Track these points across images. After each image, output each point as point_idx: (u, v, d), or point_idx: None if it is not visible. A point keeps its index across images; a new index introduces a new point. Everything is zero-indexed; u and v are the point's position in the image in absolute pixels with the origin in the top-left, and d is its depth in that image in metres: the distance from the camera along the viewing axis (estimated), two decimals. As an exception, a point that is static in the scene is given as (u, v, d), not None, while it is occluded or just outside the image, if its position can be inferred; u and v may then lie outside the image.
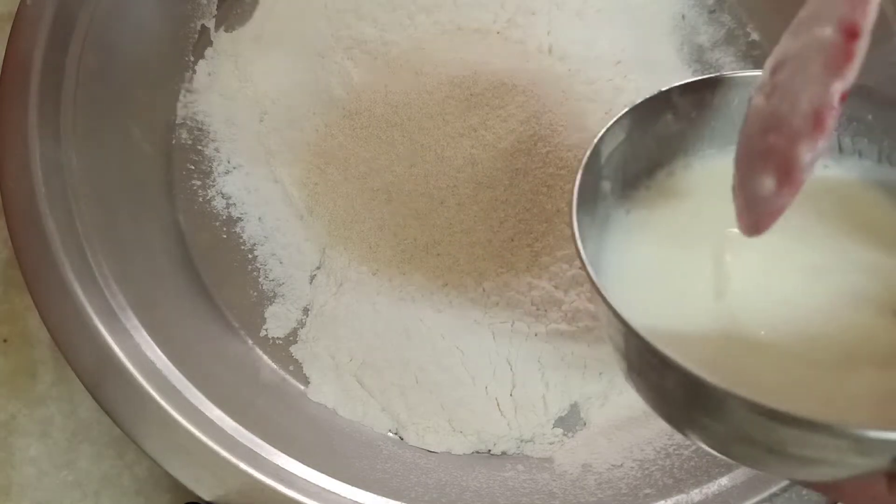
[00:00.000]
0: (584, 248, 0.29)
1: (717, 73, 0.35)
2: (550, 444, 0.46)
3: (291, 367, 0.48)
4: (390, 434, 0.47)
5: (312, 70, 0.51)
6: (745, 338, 0.30)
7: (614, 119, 0.33)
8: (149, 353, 0.39)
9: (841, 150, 0.35)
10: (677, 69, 0.54)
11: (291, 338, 0.49)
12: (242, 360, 0.48)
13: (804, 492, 0.39)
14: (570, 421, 0.47)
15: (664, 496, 0.40)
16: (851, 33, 0.26)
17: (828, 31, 0.26)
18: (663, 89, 0.34)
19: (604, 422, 0.46)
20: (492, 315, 0.47)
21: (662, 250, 0.33)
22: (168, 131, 0.51)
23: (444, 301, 0.47)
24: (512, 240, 0.48)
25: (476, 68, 0.50)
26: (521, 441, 0.46)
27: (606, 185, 0.34)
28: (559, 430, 0.46)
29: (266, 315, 0.49)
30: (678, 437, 0.45)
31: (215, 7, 0.53)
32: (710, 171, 0.35)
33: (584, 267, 0.29)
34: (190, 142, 0.51)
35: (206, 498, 0.38)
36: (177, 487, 0.47)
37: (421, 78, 0.49)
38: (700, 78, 0.34)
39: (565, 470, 0.44)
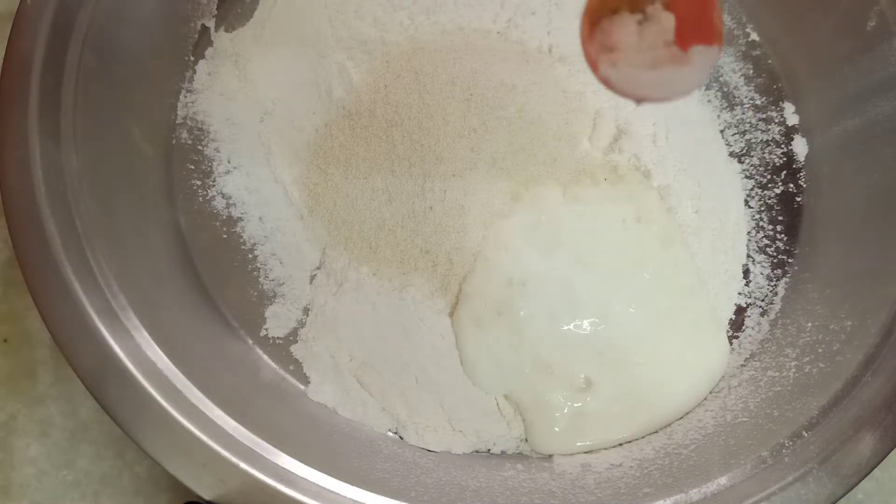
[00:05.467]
0: None
1: None
2: (550, 443, 0.46)
3: (291, 367, 0.48)
4: (390, 433, 0.47)
5: (312, 70, 0.51)
6: None
7: None
8: (149, 353, 0.39)
9: None
10: (677, 69, 0.54)
11: (291, 337, 0.49)
12: (242, 359, 0.48)
13: (802, 491, 0.39)
14: (569, 420, 0.47)
15: (663, 495, 0.40)
16: None
17: None
18: None
19: (603, 421, 0.46)
20: (491, 315, 0.47)
21: None
22: (168, 131, 0.51)
23: (443, 301, 0.47)
24: (512, 240, 0.48)
25: (476, 68, 0.50)
26: (521, 440, 0.47)
27: None
28: (559, 430, 0.46)
29: (266, 315, 0.49)
30: (677, 436, 0.45)
31: (215, 7, 0.53)
32: None
33: None
34: (190, 142, 0.51)
35: (206, 497, 0.38)
36: (177, 487, 0.47)
37: (421, 78, 0.49)
38: None
39: (564, 469, 0.44)
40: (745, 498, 0.39)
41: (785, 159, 0.53)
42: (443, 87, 0.49)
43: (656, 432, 0.46)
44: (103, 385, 0.38)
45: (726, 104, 0.54)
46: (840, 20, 0.51)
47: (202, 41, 0.53)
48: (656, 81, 0.30)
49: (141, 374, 0.39)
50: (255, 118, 0.51)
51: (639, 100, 0.30)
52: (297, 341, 0.48)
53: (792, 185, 0.53)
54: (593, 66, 0.30)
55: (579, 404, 0.46)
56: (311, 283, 0.49)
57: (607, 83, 0.30)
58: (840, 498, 0.39)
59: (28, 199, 0.39)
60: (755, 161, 0.53)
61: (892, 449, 0.40)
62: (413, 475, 0.43)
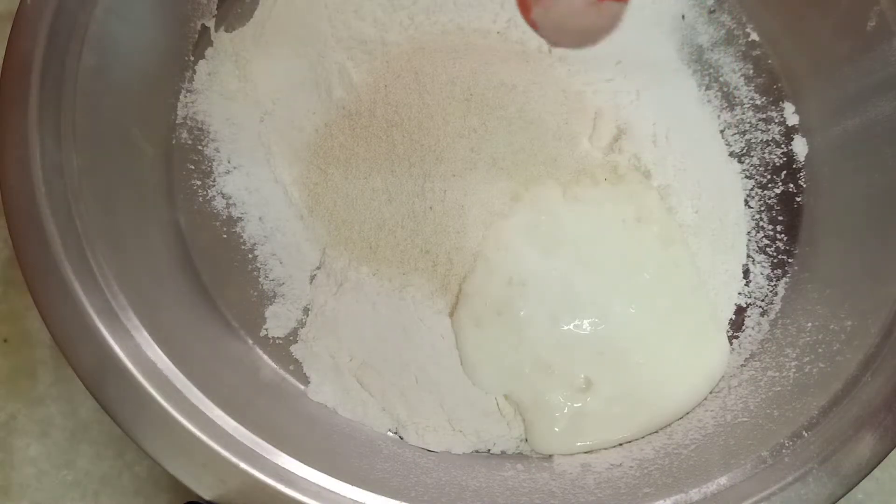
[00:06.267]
0: None
1: None
2: (550, 443, 0.46)
3: (291, 367, 0.48)
4: (390, 433, 0.47)
5: (312, 70, 0.52)
6: None
7: None
8: (149, 353, 0.40)
9: None
10: (677, 69, 0.54)
11: (291, 337, 0.49)
12: (242, 359, 0.48)
13: (802, 491, 0.39)
14: (569, 420, 0.47)
15: (663, 495, 0.40)
16: None
17: None
18: None
19: (603, 421, 0.46)
20: (491, 315, 0.47)
21: None
22: (168, 131, 0.51)
23: (443, 301, 0.47)
24: (512, 240, 0.48)
25: (476, 68, 0.50)
26: (521, 440, 0.47)
27: None
28: (559, 430, 0.46)
29: (266, 315, 0.49)
30: (677, 436, 0.45)
31: (215, 7, 0.53)
32: None
33: None
34: (190, 142, 0.51)
35: (206, 497, 0.38)
36: (176, 487, 0.47)
37: (421, 78, 0.49)
38: None
39: (564, 469, 0.44)
40: (745, 498, 0.39)
41: (785, 159, 0.53)
42: (443, 87, 0.49)
43: (656, 432, 0.46)
44: (103, 385, 0.38)
45: (726, 104, 0.54)
46: (840, 20, 0.51)
47: (202, 41, 0.53)
48: (573, 29, 0.33)
49: (141, 374, 0.39)
50: (255, 118, 0.51)
51: (555, 45, 0.34)
52: (297, 341, 0.48)
53: (792, 185, 0.53)
54: (525, 9, 0.33)
55: (579, 404, 0.46)
56: (311, 283, 0.49)
57: (534, 26, 0.33)
58: (840, 498, 0.39)
59: (28, 199, 0.40)
60: (755, 161, 0.53)
61: (892, 449, 0.40)
62: (413, 475, 0.43)
